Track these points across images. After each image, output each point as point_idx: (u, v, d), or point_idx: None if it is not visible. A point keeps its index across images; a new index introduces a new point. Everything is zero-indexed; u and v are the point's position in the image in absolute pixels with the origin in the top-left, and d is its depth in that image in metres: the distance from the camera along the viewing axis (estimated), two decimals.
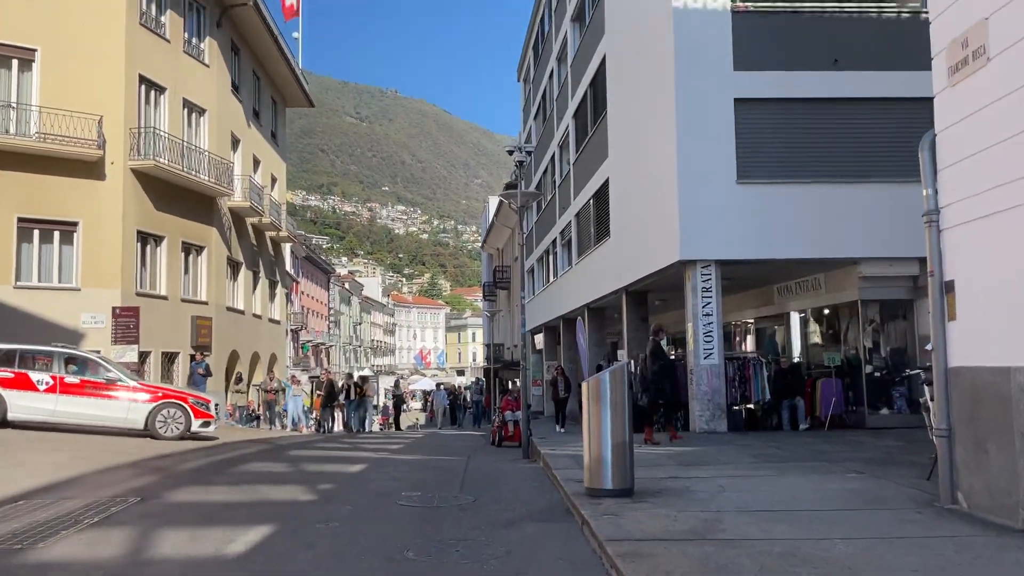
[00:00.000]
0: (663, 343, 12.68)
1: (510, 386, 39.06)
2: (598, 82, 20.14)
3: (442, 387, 33.45)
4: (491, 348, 48.11)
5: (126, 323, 18.96)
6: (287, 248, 53.55)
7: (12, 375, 13.87)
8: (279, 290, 33.65)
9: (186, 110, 23.84)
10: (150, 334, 21.43)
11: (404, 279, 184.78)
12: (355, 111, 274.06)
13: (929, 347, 7.22)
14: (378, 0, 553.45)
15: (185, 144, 23.26)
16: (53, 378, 14.01)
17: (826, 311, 16.81)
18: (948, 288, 6.80)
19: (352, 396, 24.25)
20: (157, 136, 21.89)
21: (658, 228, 14.94)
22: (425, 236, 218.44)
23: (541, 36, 31.46)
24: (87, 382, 14.19)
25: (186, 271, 23.76)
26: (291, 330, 55.36)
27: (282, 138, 34.63)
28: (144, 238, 21.75)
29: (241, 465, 11.50)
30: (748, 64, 13.86)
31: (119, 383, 14.46)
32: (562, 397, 17.83)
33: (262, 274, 30.52)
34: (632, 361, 16.88)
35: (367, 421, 25.45)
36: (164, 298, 22.41)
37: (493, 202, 47.13)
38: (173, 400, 14.81)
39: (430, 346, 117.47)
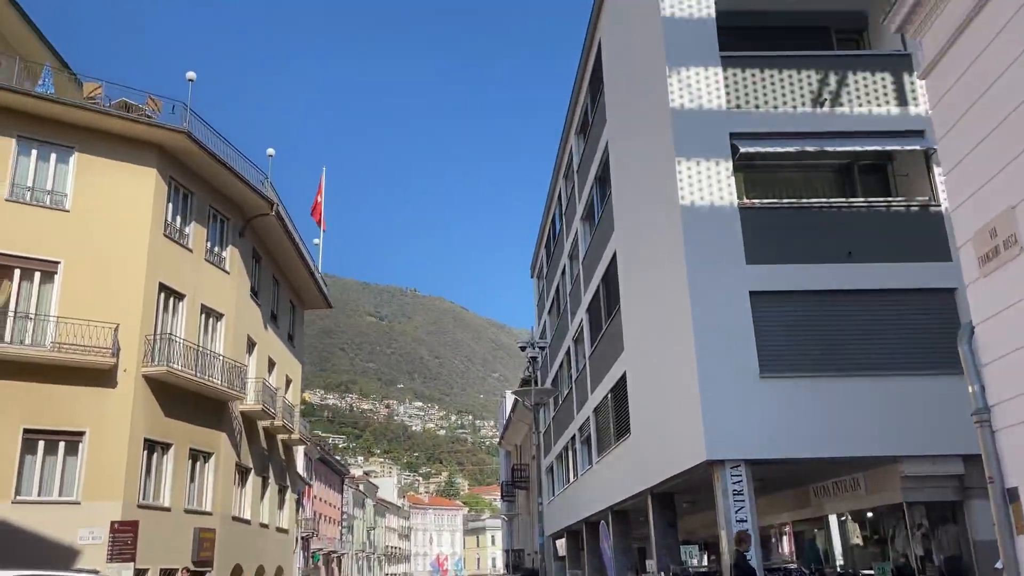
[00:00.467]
0: (749, 555, 11.48)
1: None
2: (610, 278, 20.27)
3: None
4: (510, 554, 45.51)
5: (124, 539, 17.96)
6: (300, 451, 52.58)
7: None
8: (288, 496, 32.40)
9: (204, 315, 24.08)
10: (149, 549, 20.26)
11: (421, 478, 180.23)
12: (375, 310, 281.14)
13: (999, 565, 6.36)
14: (397, 202, 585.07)
15: (200, 349, 23.26)
16: None
17: (868, 514, 15.65)
18: (1012, 496, 6.08)
19: None
20: (172, 342, 21.94)
21: (681, 425, 14.27)
22: (442, 432, 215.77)
23: (553, 235, 32.37)
24: None
25: (192, 479, 22.91)
26: (301, 537, 52.96)
27: (299, 339, 34.87)
28: (151, 446, 21.16)
29: None
30: (761, 257, 13.83)
31: None
32: None
33: (271, 479, 29.49)
34: (663, 574, 15.57)
35: None
36: (167, 509, 21.42)
37: (510, 397, 46.56)
38: None
39: (447, 551, 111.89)
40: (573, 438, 26.76)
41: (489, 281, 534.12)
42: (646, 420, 17.10)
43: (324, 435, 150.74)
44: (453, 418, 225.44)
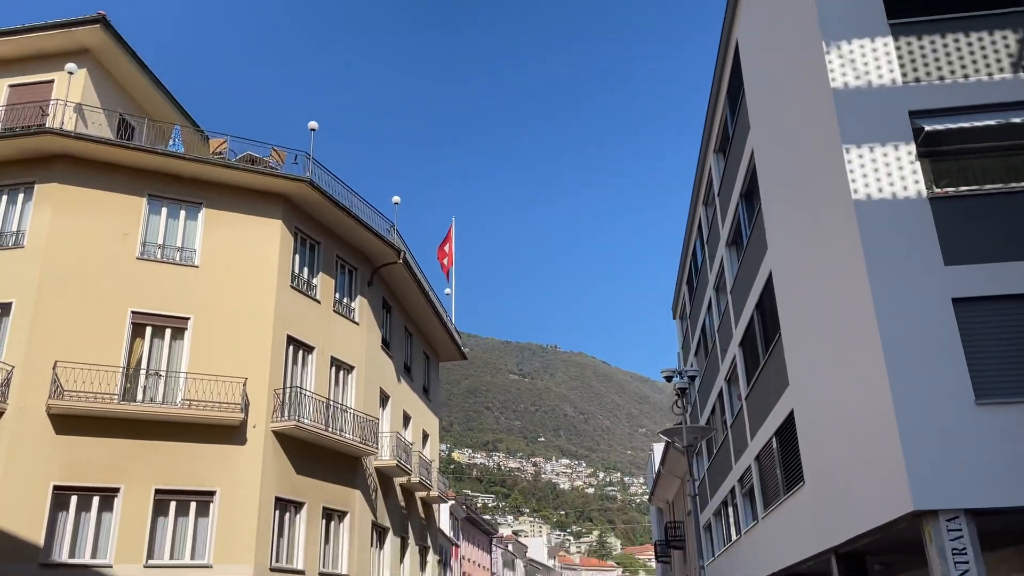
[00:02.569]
0: None
1: None
2: (765, 303, 17.78)
3: None
4: None
5: None
6: (444, 509, 51.54)
7: None
8: (431, 557, 30.99)
9: (334, 368, 23.39)
10: None
11: (571, 537, 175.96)
12: (517, 368, 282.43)
13: None
14: (536, 264, 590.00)
15: (330, 403, 22.48)
16: None
17: None
18: None
19: None
20: (302, 396, 21.24)
21: (874, 469, 11.61)
22: (591, 490, 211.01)
23: (695, 268, 29.94)
24: None
25: (326, 540, 21.89)
26: None
27: (435, 393, 33.89)
28: (283, 505, 20.32)
29: None
30: (963, 256, 11.17)
31: None
32: None
33: (411, 539, 28.19)
34: None
35: None
36: (301, 572, 20.41)
37: (658, 450, 43.62)
38: None
39: None
40: (732, 491, 23.86)
41: (630, 333, 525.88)
42: (824, 465, 14.37)
43: (473, 494, 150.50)
44: (601, 475, 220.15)
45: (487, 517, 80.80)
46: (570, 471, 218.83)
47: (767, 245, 17.17)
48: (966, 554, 10.15)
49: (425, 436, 31.41)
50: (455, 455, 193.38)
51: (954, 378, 10.60)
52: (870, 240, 11.43)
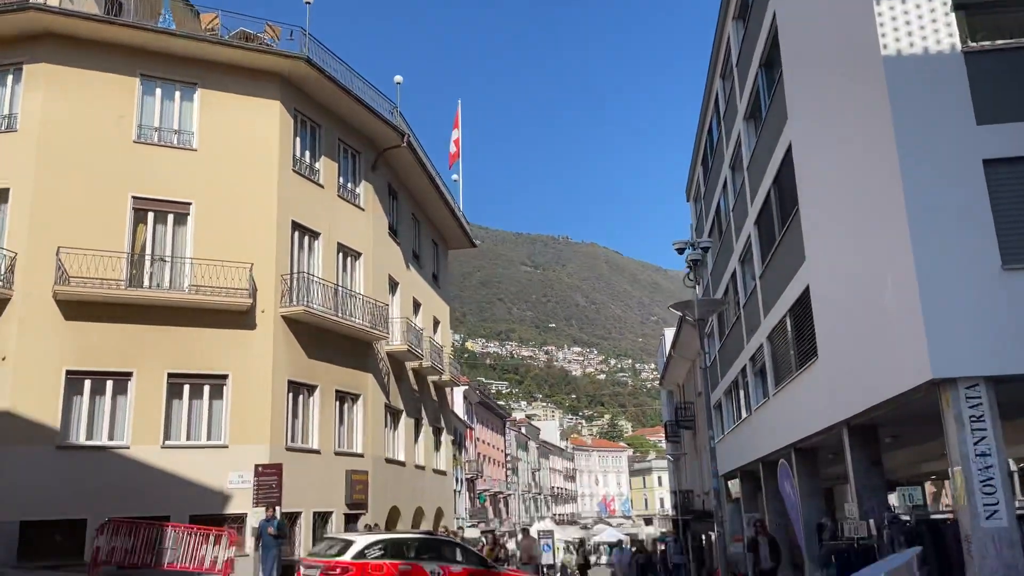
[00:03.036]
0: None
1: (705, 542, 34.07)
2: (783, 176, 17.14)
3: (625, 546, 28.59)
4: (678, 495, 43.23)
5: (268, 482, 17.27)
6: (459, 393, 52.57)
7: (409, 568, 13.05)
8: (444, 437, 31.65)
9: (341, 254, 23.13)
10: (301, 493, 19.72)
11: (584, 421, 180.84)
12: (529, 259, 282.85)
13: None
14: (546, 153, 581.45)
15: (339, 288, 22.33)
16: (443, 568, 13.43)
17: None
18: None
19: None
20: (309, 281, 21.07)
21: (891, 339, 11.33)
22: (603, 377, 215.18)
23: (710, 147, 29.04)
24: (471, 571, 13.80)
25: (340, 421, 22.22)
26: (466, 479, 53.21)
27: (444, 280, 33.75)
28: (296, 388, 20.51)
29: None
30: (997, 115, 10.49)
31: (498, 571, 14.83)
32: (765, 568, 12.48)
33: (425, 421, 28.70)
34: (875, 522, 12.86)
35: None
36: (316, 452, 20.81)
37: (669, 334, 43.74)
38: None
39: (613, 492, 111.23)
40: (744, 370, 23.91)
41: (642, 222, 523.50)
42: (838, 339, 14.14)
43: (487, 381, 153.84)
44: (613, 362, 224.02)
45: (501, 403, 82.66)
46: (582, 358, 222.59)
47: (787, 115, 16.39)
48: (984, 421, 9.98)
49: (436, 322, 31.48)
50: (468, 344, 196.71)
51: (981, 242, 10.14)
52: (899, 99, 10.73)
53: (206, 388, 19.11)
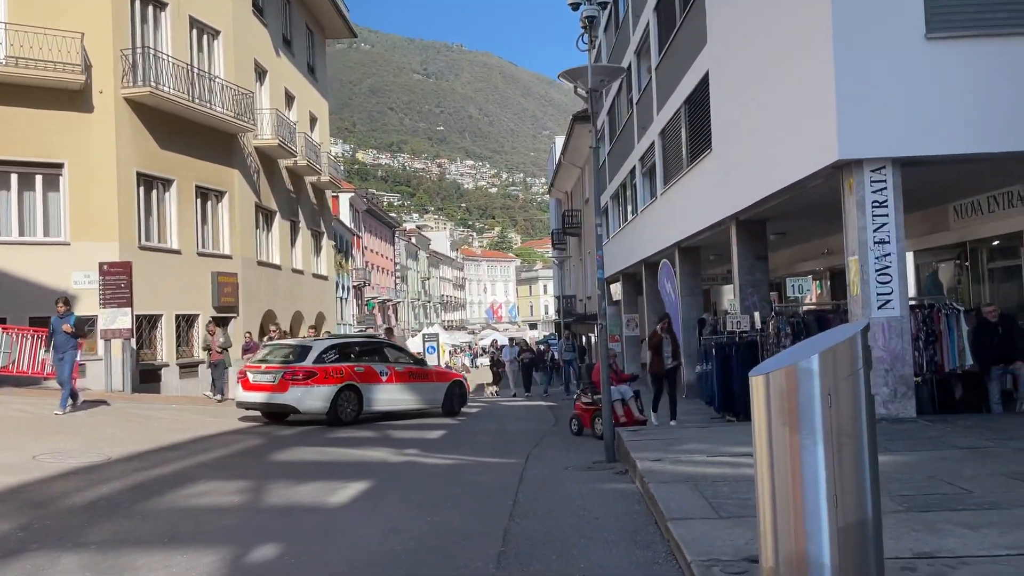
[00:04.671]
0: None
1: (583, 342, 35.01)
2: None
3: (515, 343, 28.72)
4: (562, 300, 44.11)
5: (116, 282, 15.69)
6: (344, 200, 50.59)
7: (363, 369, 13.60)
8: (325, 242, 30.28)
9: (195, 31, 20.29)
10: (160, 295, 18.27)
11: (474, 233, 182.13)
12: (422, 67, 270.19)
13: None
14: None
15: (194, 70, 19.73)
16: (389, 368, 14.20)
17: None
18: None
19: None
20: (156, 59, 18.40)
21: (796, 121, 10.53)
22: (494, 190, 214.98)
23: None
24: (411, 369, 14.72)
25: (204, 221, 20.45)
26: (354, 287, 52.51)
27: (322, 73, 30.91)
28: (147, 182, 18.45)
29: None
30: None
31: (428, 368, 15.93)
32: (671, 367, 11.92)
33: (303, 224, 27.14)
34: (759, 312, 12.72)
35: None
36: (176, 252, 19.18)
37: (559, 143, 42.64)
38: (458, 379, 16.21)
39: (501, 299, 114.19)
40: (633, 171, 23.26)
41: (538, 33, 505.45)
42: (735, 128, 13.33)
43: (379, 193, 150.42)
44: (504, 176, 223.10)
45: (393, 215, 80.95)
46: (474, 172, 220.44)
47: None
48: (887, 207, 9.48)
49: (313, 119, 29.11)
50: (359, 156, 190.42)
51: (905, 7, 9.15)
52: None
53: (38, 178, 16.86)
